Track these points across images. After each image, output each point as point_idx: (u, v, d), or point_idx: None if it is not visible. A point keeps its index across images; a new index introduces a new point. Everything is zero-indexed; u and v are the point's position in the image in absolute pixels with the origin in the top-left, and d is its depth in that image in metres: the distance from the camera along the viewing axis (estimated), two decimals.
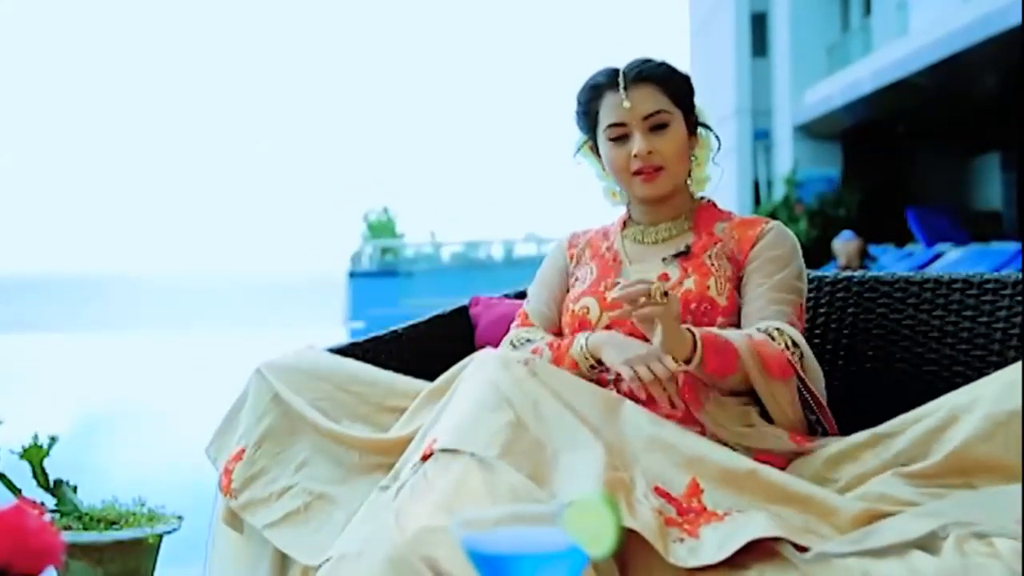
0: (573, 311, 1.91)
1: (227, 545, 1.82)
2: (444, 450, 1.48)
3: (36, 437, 2.12)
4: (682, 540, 1.43)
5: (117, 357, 15.08)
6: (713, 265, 1.87)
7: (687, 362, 1.68)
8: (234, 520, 1.78)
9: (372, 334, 2.15)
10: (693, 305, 1.82)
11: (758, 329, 1.77)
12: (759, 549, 1.41)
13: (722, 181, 2.05)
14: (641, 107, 1.89)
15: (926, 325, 2.06)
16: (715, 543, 1.41)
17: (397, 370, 1.90)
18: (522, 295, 2.34)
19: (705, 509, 1.50)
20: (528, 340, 1.93)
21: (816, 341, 2.17)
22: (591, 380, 1.75)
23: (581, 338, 1.82)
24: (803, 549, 1.41)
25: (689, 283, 1.84)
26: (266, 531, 1.70)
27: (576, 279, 2.01)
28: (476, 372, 1.64)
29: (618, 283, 1.80)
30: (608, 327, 1.85)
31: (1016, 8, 10.85)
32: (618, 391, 1.74)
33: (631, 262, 1.96)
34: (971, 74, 14.23)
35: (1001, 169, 17.25)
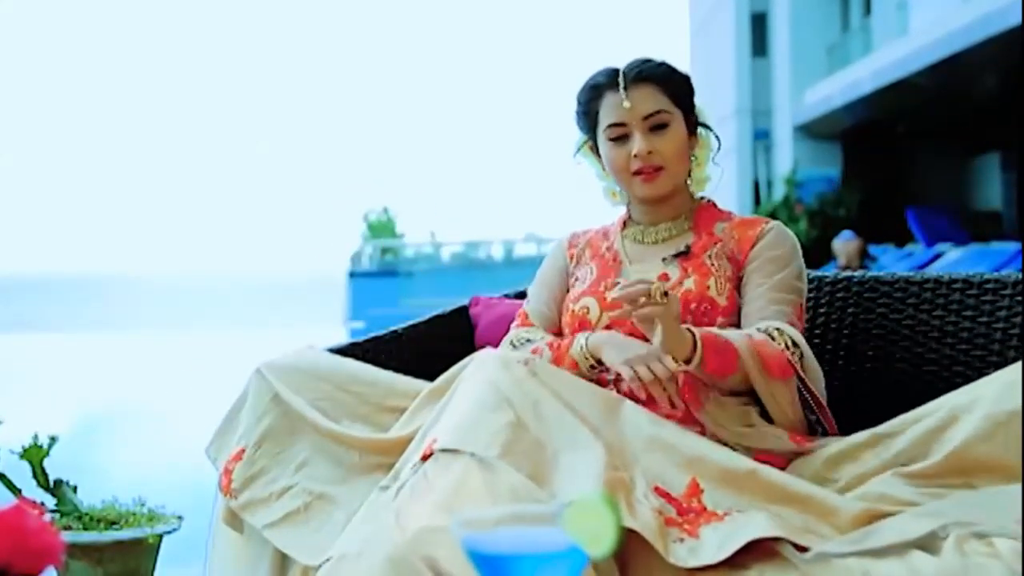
0: (573, 311, 1.91)
1: (227, 545, 1.82)
2: (444, 450, 1.48)
3: (36, 437, 2.12)
4: (682, 540, 1.43)
5: (117, 357, 15.08)
6: (713, 265, 1.87)
7: (687, 362, 1.68)
8: (234, 520, 1.78)
9: (372, 334, 2.15)
10: (693, 305, 1.82)
11: (758, 329, 1.77)
12: (759, 549, 1.41)
13: (722, 181, 2.05)
14: (641, 107, 1.89)
15: (926, 325, 2.06)
16: (715, 543, 1.41)
17: (397, 370, 1.90)
18: (522, 295, 2.34)
19: (705, 509, 1.50)
20: (528, 340, 1.93)
21: (816, 341, 2.17)
22: (591, 380, 1.75)
23: (581, 338, 1.82)
24: (803, 549, 1.41)
25: (689, 283, 1.84)
26: (266, 531, 1.70)
27: (576, 279, 2.01)
28: (476, 372, 1.64)
29: (618, 283, 1.80)
30: (608, 327, 1.85)
31: (1016, 8, 10.85)
32: (618, 391, 1.74)
33: (631, 262, 1.96)
34: (971, 74, 14.23)
35: (1001, 169, 17.25)
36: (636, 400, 1.69)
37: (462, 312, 2.39)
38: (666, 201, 1.96)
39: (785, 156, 20.27)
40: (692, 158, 1.98)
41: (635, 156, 1.88)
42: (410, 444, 1.63)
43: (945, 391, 1.59)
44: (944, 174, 18.48)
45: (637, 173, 1.90)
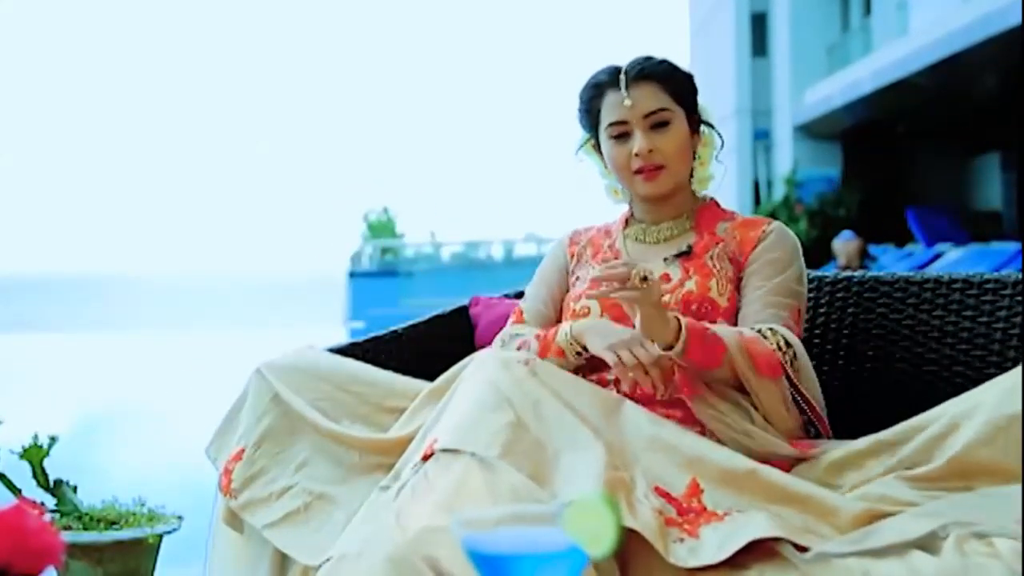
0: (574, 310, 1.91)
1: (227, 545, 1.82)
2: (445, 450, 1.49)
3: (36, 437, 2.12)
4: (682, 540, 1.43)
5: (117, 357, 15.08)
6: (715, 266, 1.87)
7: (669, 348, 1.68)
8: (234, 520, 1.78)
9: (372, 334, 2.15)
10: (694, 306, 1.81)
11: (751, 328, 1.77)
12: (759, 549, 1.41)
13: (722, 181, 2.05)
14: (642, 105, 1.88)
15: (926, 325, 2.06)
16: (715, 543, 1.41)
17: (397, 370, 1.89)
18: (522, 295, 2.34)
19: (705, 509, 1.50)
20: (518, 335, 1.93)
21: (816, 341, 2.17)
22: (584, 373, 1.76)
23: (566, 326, 1.82)
24: (803, 549, 1.41)
25: (691, 284, 1.84)
26: (266, 531, 1.70)
27: (577, 278, 2.01)
28: (476, 372, 1.64)
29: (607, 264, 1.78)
30: None
31: (1016, 8, 10.85)
32: (618, 391, 1.74)
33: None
34: (971, 74, 14.23)
35: (1001, 169, 17.25)
36: (598, 369, 1.71)
37: (462, 312, 2.39)
38: (668, 200, 1.95)
39: (785, 156, 20.27)
40: (695, 157, 1.97)
41: (636, 154, 1.88)
42: (410, 444, 1.63)
43: (945, 391, 1.60)
44: (944, 174, 18.48)
45: (638, 172, 1.89)
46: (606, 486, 1.43)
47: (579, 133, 2.03)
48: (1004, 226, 15.61)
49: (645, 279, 1.63)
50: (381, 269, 19.60)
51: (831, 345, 2.17)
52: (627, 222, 2.03)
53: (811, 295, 2.17)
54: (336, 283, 21.79)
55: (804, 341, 1.84)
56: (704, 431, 1.69)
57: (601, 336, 1.74)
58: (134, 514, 2.14)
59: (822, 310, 2.19)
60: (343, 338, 3.19)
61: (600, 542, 0.91)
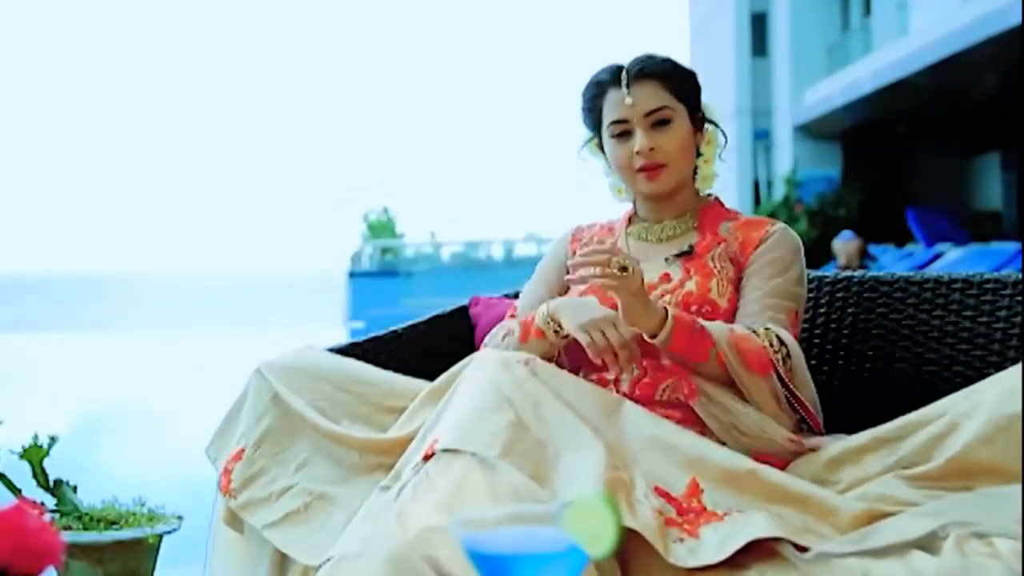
0: None
1: (227, 545, 1.82)
2: (445, 450, 1.48)
3: (36, 437, 2.12)
4: (682, 540, 1.43)
5: (117, 357, 15.07)
6: (716, 267, 1.87)
7: (653, 336, 1.68)
8: (234, 520, 1.78)
9: (372, 334, 2.15)
10: (694, 307, 1.81)
11: (744, 325, 1.77)
12: (759, 549, 1.41)
13: (722, 181, 2.05)
14: (643, 104, 1.88)
15: (926, 325, 2.06)
16: (715, 543, 1.41)
17: (397, 370, 1.89)
18: None
19: (705, 509, 1.50)
20: (503, 326, 1.92)
21: (816, 341, 2.17)
22: (584, 373, 1.76)
23: (543, 306, 1.83)
24: (803, 549, 1.41)
25: (691, 285, 1.84)
26: (266, 531, 1.70)
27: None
28: (476, 372, 1.64)
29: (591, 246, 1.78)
30: None
31: (1016, 8, 10.84)
32: (618, 391, 1.74)
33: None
34: (971, 74, 14.23)
35: (1001, 169, 17.25)
36: (600, 369, 1.71)
37: (462, 312, 2.39)
38: (671, 198, 1.95)
39: (785, 156, 20.26)
40: (699, 155, 1.97)
41: (637, 153, 1.88)
42: (410, 444, 1.63)
43: (945, 391, 1.59)
44: (944, 174, 18.47)
45: (640, 170, 1.89)
46: (606, 486, 1.43)
47: (579, 132, 2.03)
48: (1004, 226, 15.61)
49: (625, 268, 1.64)
50: (381, 269, 19.58)
51: (831, 345, 2.17)
52: (630, 220, 2.03)
53: (811, 295, 2.17)
54: (336, 283, 21.78)
55: (804, 341, 1.84)
56: (704, 431, 1.69)
57: (575, 315, 1.75)
58: (134, 514, 2.14)
59: (822, 310, 2.19)
60: (343, 338, 3.19)
61: (600, 542, 0.91)
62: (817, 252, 12.19)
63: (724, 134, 2.01)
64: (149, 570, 2.08)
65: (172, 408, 8.94)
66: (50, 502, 2.13)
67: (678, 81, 1.91)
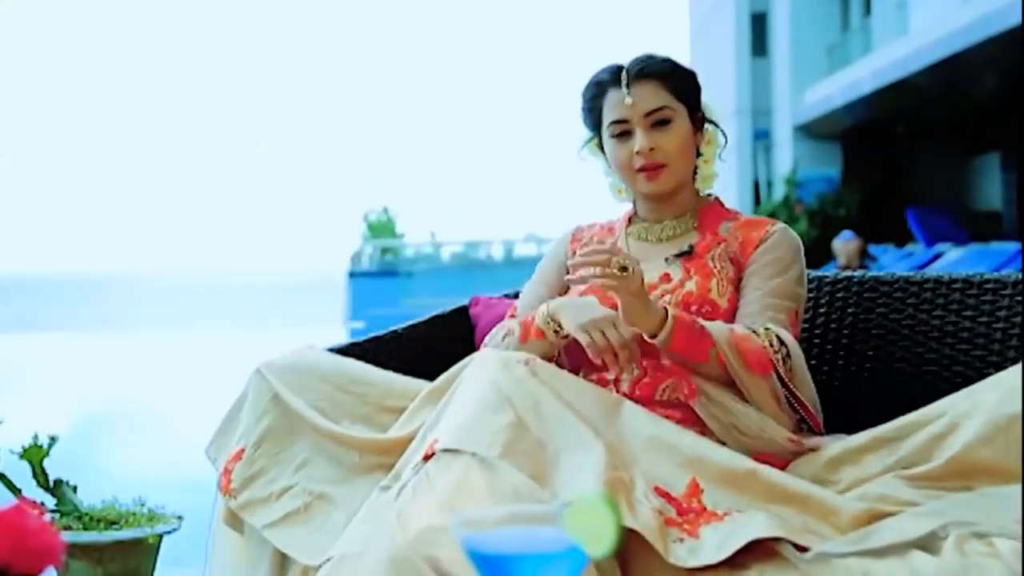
0: None
1: (227, 545, 1.82)
2: (446, 450, 1.48)
3: (36, 437, 2.12)
4: (682, 540, 1.43)
5: (117, 357, 15.07)
6: (716, 267, 1.87)
7: (653, 336, 1.69)
8: (234, 520, 1.78)
9: (372, 334, 2.15)
10: (694, 308, 1.81)
11: (744, 325, 1.77)
12: (759, 549, 1.41)
13: (722, 181, 2.05)
14: (643, 104, 1.88)
15: (926, 325, 2.06)
16: (715, 543, 1.41)
17: (397, 370, 1.89)
18: None
19: (705, 509, 1.50)
20: (503, 326, 1.92)
21: (816, 341, 2.17)
22: (584, 373, 1.75)
23: (543, 306, 1.82)
24: (803, 549, 1.41)
25: (691, 285, 1.84)
26: (266, 531, 1.70)
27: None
28: (476, 372, 1.64)
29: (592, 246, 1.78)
30: None
31: (1016, 8, 10.84)
32: (618, 391, 1.74)
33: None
34: (971, 74, 14.23)
35: (1001, 169, 17.25)
36: (600, 369, 1.70)
37: (462, 312, 2.39)
38: (671, 198, 1.95)
39: (785, 156, 20.26)
40: (699, 154, 1.97)
41: (637, 153, 1.88)
42: (410, 444, 1.63)
43: (945, 391, 1.59)
44: (944, 174, 18.47)
45: (640, 170, 1.89)
46: (606, 486, 1.43)
47: (579, 132, 2.03)
48: (1004, 226, 15.61)
49: (624, 268, 1.64)
50: (381, 269, 19.58)
51: (831, 345, 2.17)
52: (630, 220, 2.03)
53: (811, 295, 2.17)
54: (336, 283, 21.78)
55: (804, 341, 1.84)
56: (704, 431, 1.69)
57: (574, 315, 1.75)
58: (134, 514, 2.14)
59: (822, 310, 2.19)
60: (343, 338, 3.19)
61: (600, 542, 0.91)
62: (817, 252, 12.19)
63: (724, 134, 2.01)
64: (149, 570, 2.08)
65: (172, 408, 8.94)
66: (50, 502, 2.13)
67: (678, 81, 1.91)
